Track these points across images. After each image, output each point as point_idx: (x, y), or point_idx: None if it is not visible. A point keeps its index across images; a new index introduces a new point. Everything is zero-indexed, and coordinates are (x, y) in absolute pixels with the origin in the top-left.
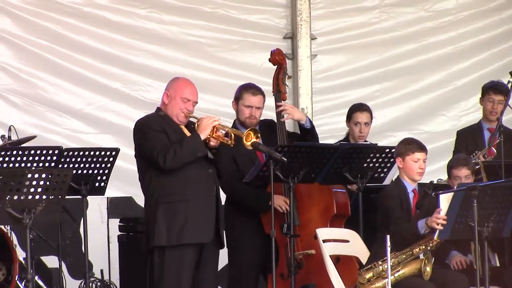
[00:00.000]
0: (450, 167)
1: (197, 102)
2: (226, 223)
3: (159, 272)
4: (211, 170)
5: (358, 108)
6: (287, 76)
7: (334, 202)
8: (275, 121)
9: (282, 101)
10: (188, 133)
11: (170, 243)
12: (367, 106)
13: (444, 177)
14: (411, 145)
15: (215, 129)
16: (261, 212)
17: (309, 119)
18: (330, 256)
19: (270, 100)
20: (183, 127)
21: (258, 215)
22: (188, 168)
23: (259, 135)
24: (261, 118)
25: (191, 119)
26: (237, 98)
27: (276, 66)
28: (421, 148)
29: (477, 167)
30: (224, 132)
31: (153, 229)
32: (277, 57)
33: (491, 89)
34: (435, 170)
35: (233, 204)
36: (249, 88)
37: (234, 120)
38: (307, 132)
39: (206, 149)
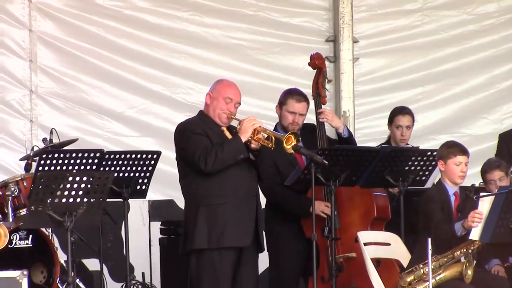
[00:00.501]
0: (483, 172)
1: (240, 104)
2: (266, 226)
3: (197, 275)
4: (251, 173)
5: (399, 111)
6: (326, 80)
7: (374, 205)
8: (316, 125)
9: (322, 105)
10: (229, 136)
11: (211, 246)
12: (409, 109)
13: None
14: (453, 148)
15: (256, 132)
16: (301, 217)
17: (347, 128)
18: (371, 259)
19: (310, 103)
20: (224, 129)
21: (299, 220)
22: (229, 171)
23: (299, 139)
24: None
25: (233, 121)
26: (281, 103)
27: (315, 70)
28: (463, 151)
29: None
30: (265, 135)
31: (193, 231)
32: (316, 61)
33: None
34: (476, 174)
35: (273, 208)
36: (294, 94)
37: (276, 124)
38: (345, 141)
39: (247, 151)
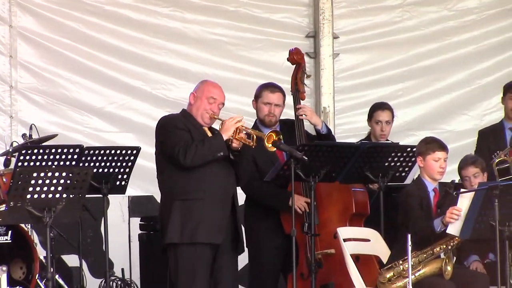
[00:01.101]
0: (459, 168)
1: (223, 105)
2: (246, 222)
3: (173, 270)
4: (230, 172)
5: (379, 106)
6: (305, 75)
7: (353, 201)
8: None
9: (301, 101)
10: (210, 134)
11: (183, 241)
12: (388, 105)
13: None
14: (432, 144)
15: (238, 131)
16: (281, 210)
17: (326, 124)
18: (350, 255)
19: (289, 99)
20: (206, 129)
21: (278, 215)
22: (207, 167)
23: (281, 136)
24: (282, 118)
25: (216, 121)
26: (257, 97)
27: (294, 66)
28: (442, 147)
29: (505, 165)
30: (246, 133)
31: (167, 226)
32: (295, 57)
33: None
34: (456, 170)
35: (253, 205)
36: (268, 86)
37: (255, 120)
38: (323, 137)
39: (227, 150)
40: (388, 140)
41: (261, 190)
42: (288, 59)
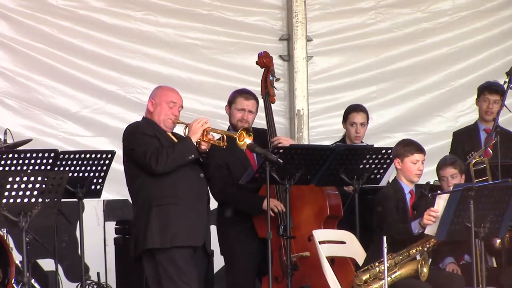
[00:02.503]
0: (438, 168)
1: (182, 107)
2: (219, 229)
3: (154, 276)
4: (202, 175)
5: (354, 108)
6: (275, 79)
7: (327, 204)
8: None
9: (271, 104)
10: (175, 139)
11: (164, 246)
12: (363, 107)
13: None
14: (410, 147)
15: (205, 132)
16: (254, 215)
17: None
18: (326, 257)
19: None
20: (170, 134)
21: (251, 220)
22: (179, 172)
23: (251, 134)
24: (253, 126)
25: (178, 125)
26: (230, 102)
27: (263, 69)
28: (420, 149)
29: (482, 166)
30: (215, 135)
31: (145, 231)
32: (264, 60)
33: (486, 89)
34: (431, 171)
35: (225, 210)
36: (243, 92)
37: (228, 127)
38: None
39: (197, 152)
40: (363, 142)
41: (234, 196)
42: (257, 63)
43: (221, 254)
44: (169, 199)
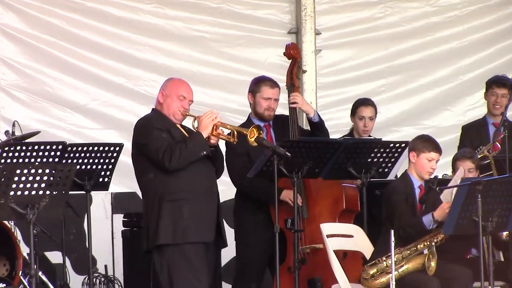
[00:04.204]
0: (455, 159)
1: (192, 101)
2: (235, 216)
3: (165, 270)
4: (211, 169)
5: (362, 102)
6: (301, 71)
7: (343, 197)
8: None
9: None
10: (184, 132)
11: (176, 241)
12: (371, 101)
13: (449, 172)
14: (429, 144)
15: (215, 127)
16: (271, 204)
17: (318, 113)
18: (337, 251)
19: (282, 97)
20: (179, 126)
21: (267, 209)
22: (191, 167)
23: (262, 132)
24: (276, 113)
25: (188, 117)
26: (254, 91)
27: (290, 60)
28: (438, 149)
29: (486, 161)
30: (224, 130)
31: (157, 227)
32: (291, 51)
33: (494, 83)
34: (439, 165)
35: (242, 198)
36: (267, 81)
37: (249, 114)
38: (315, 126)
39: (209, 148)
40: (371, 136)
41: (252, 184)
42: (284, 54)
43: (235, 241)
44: (180, 194)
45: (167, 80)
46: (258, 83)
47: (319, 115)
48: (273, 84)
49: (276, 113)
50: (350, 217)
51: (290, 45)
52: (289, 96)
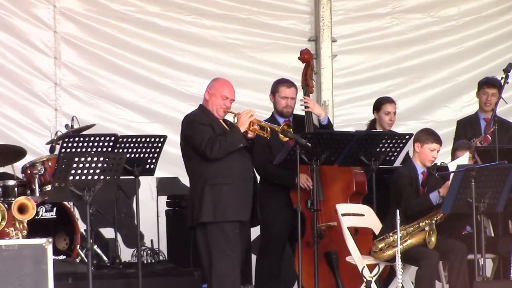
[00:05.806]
0: (455, 149)
1: (234, 100)
2: (260, 199)
3: (205, 246)
4: (248, 158)
5: (387, 100)
6: (314, 73)
7: (353, 181)
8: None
9: (310, 94)
10: (225, 126)
11: (216, 220)
12: (392, 98)
13: (447, 160)
14: (432, 136)
15: (251, 123)
16: (290, 187)
17: (327, 116)
18: (350, 227)
19: (299, 95)
20: (221, 121)
21: (288, 193)
22: (230, 156)
23: (292, 128)
24: (294, 113)
25: (229, 114)
26: (274, 92)
27: (304, 64)
28: (439, 141)
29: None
30: (260, 126)
31: (200, 207)
32: (305, 56)
33: (485, 83)
34: (439, 154)
35: (266, 184)
36: (284, 82)
37: (272, 113)
38: (323, 127)
39: (245, 141)
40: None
41: (273, 171)
42: (299, 58)
43: (260, 219)
44: (221, 179)
45: (214, 80)
46: (277, 85)
47: (328, 119)
48: (290, 84)
49: (295, 112)
50: (359, 199)
51: (304, 51)
52: (303, 96)
